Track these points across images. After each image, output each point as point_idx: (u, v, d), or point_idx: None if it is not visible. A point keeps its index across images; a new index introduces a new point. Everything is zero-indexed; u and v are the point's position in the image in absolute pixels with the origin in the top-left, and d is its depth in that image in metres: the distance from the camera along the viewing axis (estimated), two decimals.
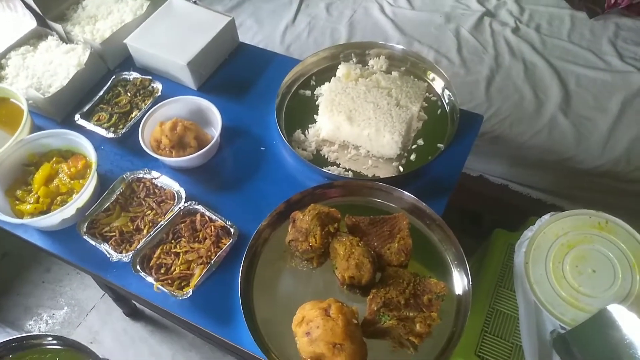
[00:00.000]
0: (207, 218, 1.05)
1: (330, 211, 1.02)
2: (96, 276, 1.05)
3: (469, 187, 1.75)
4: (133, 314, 1.94)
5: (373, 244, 1.01)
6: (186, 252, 1.01)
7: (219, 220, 1.05)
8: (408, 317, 0.91)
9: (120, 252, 1.00)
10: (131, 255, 0.99)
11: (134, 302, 1.87)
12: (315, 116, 1.24)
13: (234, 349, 1.60)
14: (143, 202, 1.09)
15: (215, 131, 1.18)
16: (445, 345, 0.92)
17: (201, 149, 1.13)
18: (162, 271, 0.99)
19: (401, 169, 1.15)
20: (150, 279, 0.97)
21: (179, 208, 1.06)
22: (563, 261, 1.04)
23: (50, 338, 1.00)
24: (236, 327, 0.95)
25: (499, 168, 1.67)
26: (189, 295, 0.95)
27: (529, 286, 1.02)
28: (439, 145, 1.18)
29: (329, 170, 1.12)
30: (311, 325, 0.88)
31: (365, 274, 0.95)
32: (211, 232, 1.03)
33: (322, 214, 1.01)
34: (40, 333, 1.08)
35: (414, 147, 1.18)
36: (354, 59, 1.35)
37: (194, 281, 0.97)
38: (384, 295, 0.94)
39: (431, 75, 1.31)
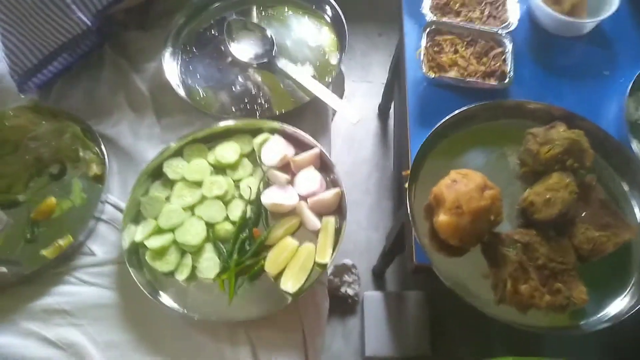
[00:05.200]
0: (502, 57, 1.02)
1: (588, 152, 0.89)
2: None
3: None
4: None
5: (580, 213, 0.87)
6: (467, 58, 1.02)
7: (509, 67, 1.00)
8: (528, 274, 0.81)
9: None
10: (435, 15, 1.05)
11: None
12: None
13: None
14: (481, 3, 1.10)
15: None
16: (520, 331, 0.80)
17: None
18: (434, 50, 1.03)
19: None
20: (423, 41, 1.02)
21: (496, 30, 1.04)
22: None
23: None
24: (424, 134, 0.96)
25: None
26: (430, 77, 0.99)
27: None
28: None
29: None
30: (464, 181, 0.84)
31: (545, 214, 0.84)
32: (491, 65, 1.00)
33: (579, 145, 0.88)
34: None
35: None
36: None
37: (442, 73, 0.99)
38: (534, 242, 0.83)
39: None
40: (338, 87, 1.29)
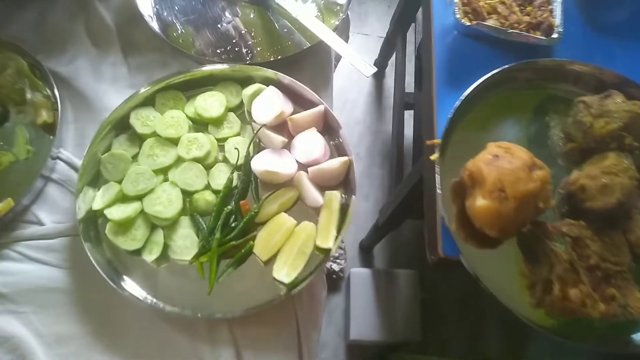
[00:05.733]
0: (549, 7, 0.84)
1: None
2: None
3: None
4: None
5: (636, 203, 0.73)
6: (508, 5, 0.84)
7: (557, 19, 0.83)
8: (578, 276, 0.67)
9: None
10: None
11: None
12: None
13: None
14: None
15: None
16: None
17: None
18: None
19: None
20: None
21: None
22: None
23: None
24: (452, 96, 0.79)
25: None
26: (465, 25, 0.81)
27: None
28: None
29: None
30: (507, 157, 0.68)
31: (601, 203, 0.69)
32: (537, 16, 0.83)
33: None
34: None
35: None
36: None
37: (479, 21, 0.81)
38: (584, 237, 0.69)
39: None
40: (342, 32, 1.09)
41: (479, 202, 0.67)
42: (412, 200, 1.24)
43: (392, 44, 1.73)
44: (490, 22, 0.81)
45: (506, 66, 0.77)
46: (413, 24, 1.60)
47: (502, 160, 0.68)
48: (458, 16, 0.81)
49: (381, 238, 1.49)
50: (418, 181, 1.13)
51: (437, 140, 0.75)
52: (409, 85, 1.58)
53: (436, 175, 0.71)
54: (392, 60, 1.75)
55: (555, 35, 0.81)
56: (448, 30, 0.85)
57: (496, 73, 0.77)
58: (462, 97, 0.74)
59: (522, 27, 0.82)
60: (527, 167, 0.68)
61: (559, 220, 0.71)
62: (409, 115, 1.49)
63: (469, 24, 0.80)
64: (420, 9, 1.04)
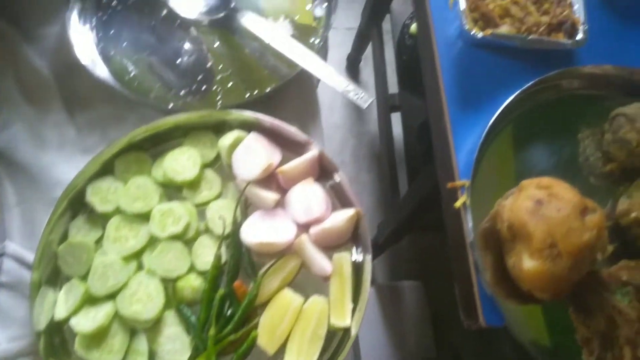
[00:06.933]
0: (567, 1, 0.72)
1: None
2: None
3: None
4: None
5: None
6: (522, 5, 0.70)
7: (581, 16, 0.71)
8: None
9: None
10: None
11: None
12: None
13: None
14: None
15: None
16: None
17: None
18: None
19: None
20: None
21: None
22: None
23: None
24: (467, 124, 0.67)
25: None
26: (477, 36, 0.67)
27: None
28: None
29: None
30: (553, 202, 0.56)
31: None
32: (557, 14, 0.70)
33: None
34: None
35: None
36: None
37: (493, 30, 0.68)
38: None
39: None
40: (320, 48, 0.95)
41: (527, 264, 0.55)
42: (416, 219, 1.13)
43: (365, 37, 1.58)
44: (504, 29, 0.68)
45: (529, 84, 0.66)
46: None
47: (548, 208, 0.56)
48: (468, 27, 0.67)
49: (379, 255, 1.38)
50: (421, 200, 1.02)
51: (462, 182, 0.63)
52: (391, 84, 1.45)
53: (466, 226, 0.59)
54: (367, 53, 1.62)
55: (580, 36, 0.69)
56: (451, 41, 0.72)
57: (519, 94, 0.65)
58: (488, 127, 0.62)
59: (541, 30, 0.68)
60: (578, 211, 0.56)
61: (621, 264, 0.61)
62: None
63: (482, 34, 0.67)
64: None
